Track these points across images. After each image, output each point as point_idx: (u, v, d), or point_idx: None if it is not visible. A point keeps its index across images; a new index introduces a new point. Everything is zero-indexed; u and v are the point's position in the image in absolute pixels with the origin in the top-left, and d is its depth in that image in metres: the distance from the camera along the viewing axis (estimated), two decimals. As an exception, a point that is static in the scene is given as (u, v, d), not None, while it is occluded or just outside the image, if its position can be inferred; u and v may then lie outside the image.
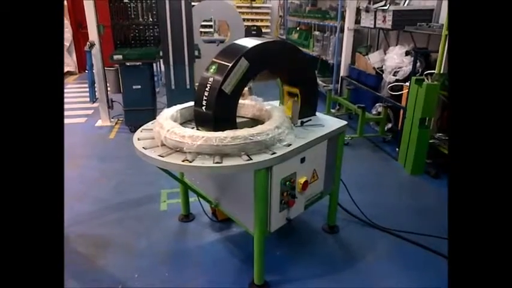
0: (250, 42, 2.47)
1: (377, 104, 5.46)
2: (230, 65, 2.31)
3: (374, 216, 3.29)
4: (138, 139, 2.44)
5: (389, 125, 5.30)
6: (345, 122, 2.83)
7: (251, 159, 2.11)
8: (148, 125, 2.69)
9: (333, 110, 6.56)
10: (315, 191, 2.70)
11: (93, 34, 5.47)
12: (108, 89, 5.91)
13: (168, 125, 2.29)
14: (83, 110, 6.75)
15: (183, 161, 2.08)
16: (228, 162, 2.07)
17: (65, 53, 10.13)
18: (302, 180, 2.47)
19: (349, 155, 4.55)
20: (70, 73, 10.22)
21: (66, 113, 6.51)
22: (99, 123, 6.05)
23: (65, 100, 7.47)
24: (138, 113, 5.42)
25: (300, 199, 2.54)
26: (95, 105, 6.20)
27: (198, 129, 2.49)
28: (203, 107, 2.37)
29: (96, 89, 5.83)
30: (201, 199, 2.91)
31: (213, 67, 2.41)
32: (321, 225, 3.22)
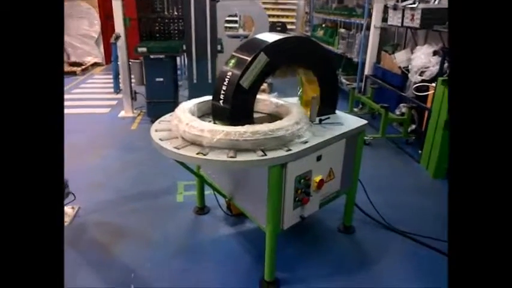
0: (270, 37, 2.44)
1: (401, 104, 5.32)
2: (249, 59, 2.29)
3: (392, 219, 3.21)
4: (156, 130, 2.46)
5: (413, 127, 5.15)
6: (365, 121, 2.76)
7: (266, 155, 2.09)
8: (166, 117, 2.71)
9: (355, 109, 6.44)
10: (330, 190, 2.66)
11: (119, 26, 5.56)
12: (133, 80, 6.01)
13: (187, 118, 2.30)
14: (107, 100, 6.90)
15: (197, 153, 2.08)
16: (242, 157, 2.06)
17: (93, 44, 10.39)
18: (318, 178, 2.43)
19: (369, 154, 4.46)
20: (97, 64, 10.47)
21: (90, 103, 6.70)
22: (122, 114, 6.16)
23: (90, 90, 7.70)
24: (160, 105, 5.48)
25: (315, 197, 2.51)
26: (119, 96, 6.31)
27: (215, 123, 2.49)
28: (221, 101, 2.37)
29: (120, 81, 5.94)
30: (216, 192, 2.92)
31: (232, 61, 2.40)
32: (336, 224, 3.16)
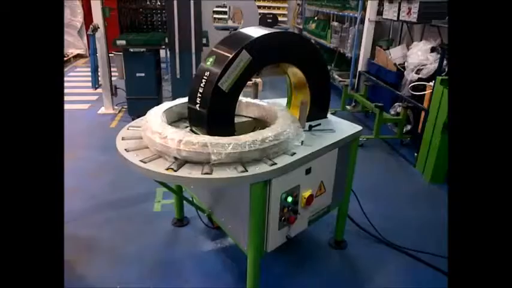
0: (256, 32, 2.14)
1: (396, 104, 5.05)
2: (230, 57, 1.99)
3: (386, 231, 2.96)
4: (123, 138, 2.16)
5: (409, 127, 4.89)
6: (360, 128, 2.49)
7: (246, 170, 1.79)
8: (138, 122, 2.40)
9: (348, 107, 6.17)
10: (321, 205, 2.38)
11: (97, 17, 5.19)
12: (116, 74, 5.65)
13: (177, 134, 1.86)
14: (88, 95, 6.52)
15: (166, 169, 1.78)
16: (219, 174, 1.76)
17: (76, 34, 9.93)
18: (306, 194, 2.14)
19: (362, 157, 4.20)
20: (80, 56, 10.03)
21: (69, 98, 6.31)
22: (101, 110, 5.82)
23: (70, 84, 7.29)
24: (142, 102, 5.15)
25: (303, 215, 2.23)
26: (100, 91, 5.95)
27: (191, 130, 2.20)
28: (197, 105, 2.06)
29: (99, 75, 5.58)
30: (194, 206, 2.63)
31: (211, 59, 2.10)
32: (327, 239, 2.90)
